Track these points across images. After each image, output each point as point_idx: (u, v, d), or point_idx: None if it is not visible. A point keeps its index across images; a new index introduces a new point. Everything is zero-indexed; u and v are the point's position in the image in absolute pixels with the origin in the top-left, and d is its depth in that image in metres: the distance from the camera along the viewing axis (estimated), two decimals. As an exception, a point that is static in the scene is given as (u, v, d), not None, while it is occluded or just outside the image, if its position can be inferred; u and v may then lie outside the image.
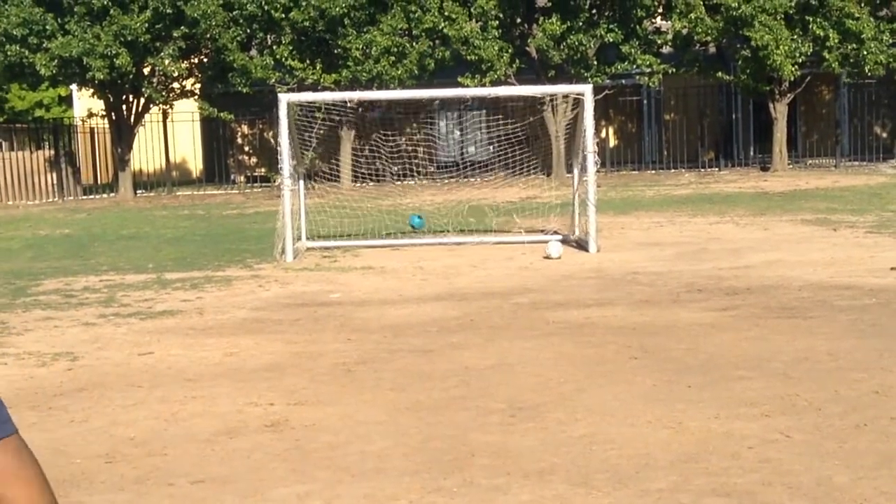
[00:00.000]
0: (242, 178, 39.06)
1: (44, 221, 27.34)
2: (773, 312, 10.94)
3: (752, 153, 38.11)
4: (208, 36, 32.75)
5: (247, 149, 42.27)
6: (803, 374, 8.24)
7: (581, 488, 5.83)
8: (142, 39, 31.66)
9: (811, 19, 32.02)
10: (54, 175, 35.99)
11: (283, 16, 32.01)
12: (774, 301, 11.58)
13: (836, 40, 31.95)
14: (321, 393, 8.23)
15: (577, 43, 32.66)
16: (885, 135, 39.31)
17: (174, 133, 37.44)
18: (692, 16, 32.63)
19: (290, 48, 32.56)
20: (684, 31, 33.58)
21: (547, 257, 15.94)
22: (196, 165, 41.33)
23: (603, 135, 38.43)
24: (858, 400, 7.46)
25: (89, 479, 6.30)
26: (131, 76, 32.95)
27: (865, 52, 31.90)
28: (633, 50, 33.28)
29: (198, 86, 36.06)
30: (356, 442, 6.88)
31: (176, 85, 34.63)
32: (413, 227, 15.61)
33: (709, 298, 11.90)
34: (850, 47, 32.13)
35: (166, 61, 32.79)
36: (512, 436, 6.90)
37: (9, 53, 31.78)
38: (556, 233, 18.72)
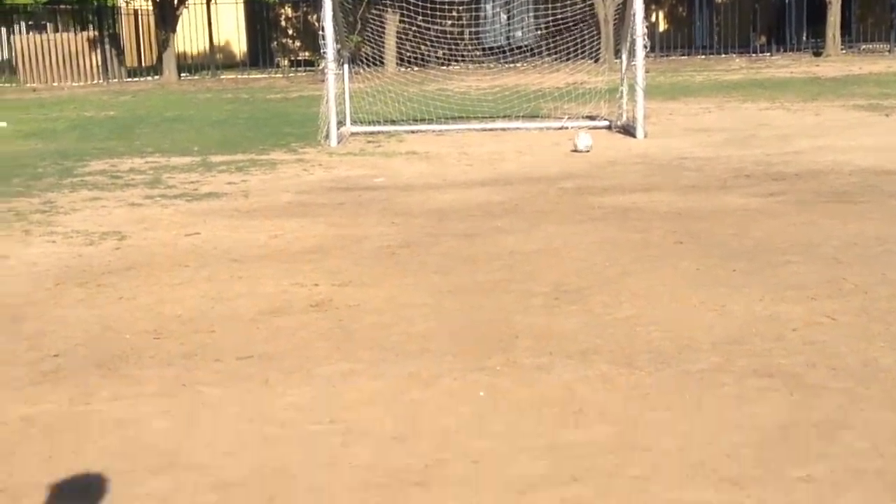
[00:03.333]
0: (286, 62, 38.93)
1: (89, 103, 27.45)
2: (822, 197, 10.87)
3: (804, 38, 37.49)
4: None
5: (291, 32, 42.04)
6: (852, 259, 8.22)
7: (624, 368, 5.89)
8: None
9: None
10: (98, 57, 36.04)
11: None
12: (824, 186, 11.50)
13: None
14: (365, 275, 8.30)
15: (627, -76, 32.04)
16: (942, 20, 38.50)
17: (218, 16, 37.26)
18: None
19: (335, -71, 32.13)
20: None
21: (574, 150, 15.28)
22: (240, 48, 41.19)
23: (653, 19, 37.86)
24: (906, 285, 7.44)
25: (138, 353, 6.43)
26: (175, -43, 32.75)
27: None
28: (685, -70, 32.63)
29: (241, -33, 35.78)
30: (400, 323, 6.96)
31: (219, -34, 34.40)
32: None
33: (757, 184, 11.83)
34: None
35: (210, -57, 32.54)
36: (556, 318, 6.95)
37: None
38: (605, 119, 18.60)
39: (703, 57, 35.85)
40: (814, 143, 14.93)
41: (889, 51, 35.00)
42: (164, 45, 35.33)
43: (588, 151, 15.15)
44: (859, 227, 9.38)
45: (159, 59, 36.49)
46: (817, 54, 33.94)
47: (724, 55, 35.94)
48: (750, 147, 14.88)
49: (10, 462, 4.90)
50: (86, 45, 36.04)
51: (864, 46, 36.58)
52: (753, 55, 35.37)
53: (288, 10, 40.84)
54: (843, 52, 34.15)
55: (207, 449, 4.97)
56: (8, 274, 8.59)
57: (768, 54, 35.60)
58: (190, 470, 4.75)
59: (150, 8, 36.18)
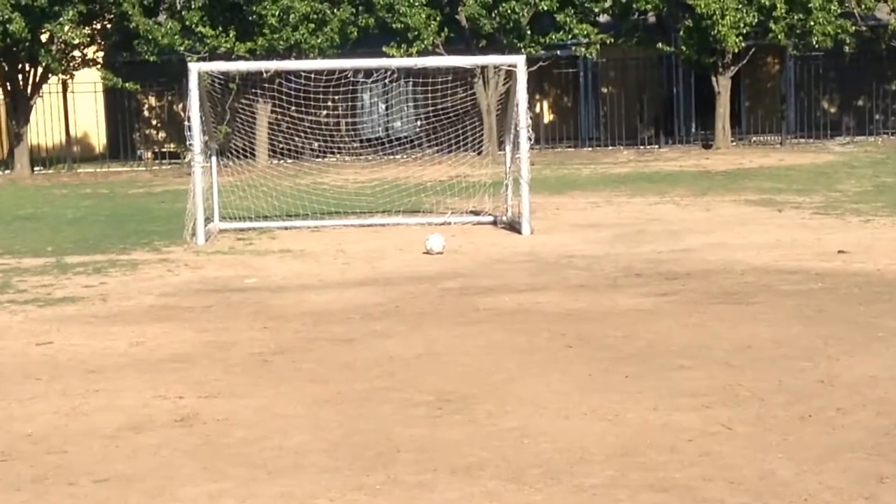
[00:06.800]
0: (150, 155, 38.66)
1: (-68, 200, 26.89)
2: (714, 298, 11.07)
3: (693, 129, 38.40)
4: (111, -1, 32.28)
5: (154, 122, 41.82)
6: (746, 363, 8.36)
7: (512, 484, 5.88)
8: (38, 3, 31.14)
9: (757, -13, 32.29)
10: (-57, 151, 35.39)
11: (194, -21, 31.67)
12: (716, 286, 11.72)
13: (783, 10, 32.24)
14: (235, 385, 8.21)
15: (509, 11, 32.64)
16: (832, 110, 39.79)
17: (75, 105, 36.92)
18: (631, -17, 32.76)
19: (201, 13, 32.17)
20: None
21: (427, 252, 14.87)
22: (99, 140, 40.81)
23: (537, 109, 38.54)
24: (803, 390, 7.58)
25: (-17, 478, 6.24)
26: (27, 43, 32.37)
27: (812, 23, 32.21)
28: (568, 19, 33.31)
29: (100, 54, 35.52)
30: (272, 437, 6.88)
31: (77, 53, 34.07)
32: None
33: (647, 283, 12.02)
34: (796, 18, 32.44)
35: (65, 27, 32.24)
36: (439, 429, 6.93)
37: None
38: (489, 214, 18.80)
39: (590, 149, 36.51)
40: (705, 240, 15.24)
41: (780, 143, 36.03)
42: (15, 137, 34.82)
43: (442, 253, 14.82)
44: (752, 329, 9.56)
45: (10, 152, 35.92)
46: (707, 147, 34.78)
47: (611, 147, 36.61)
48: (640, 244, 15.14)
49: None
50: (-70, 136, 35.40)
51: (754, 138, 37.57)
52: (641, 147, 36.10)
53: (151, 100, 40.68)
54: (734, 144, 35.02)
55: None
56: None
57: (656, 147, 36.37)
58: None
59: (1, 97, 35.70)
